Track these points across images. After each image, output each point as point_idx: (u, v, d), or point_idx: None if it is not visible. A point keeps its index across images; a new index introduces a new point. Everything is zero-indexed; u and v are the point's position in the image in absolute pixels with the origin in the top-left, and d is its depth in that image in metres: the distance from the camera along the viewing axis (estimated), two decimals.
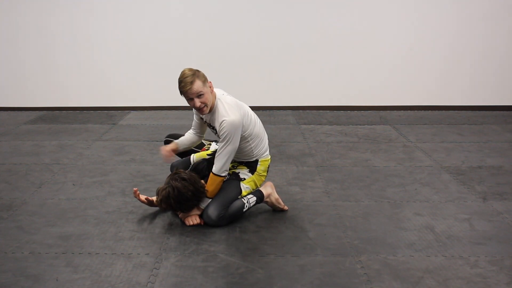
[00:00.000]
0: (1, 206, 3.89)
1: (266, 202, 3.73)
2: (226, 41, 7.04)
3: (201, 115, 3.67)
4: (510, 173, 4.59)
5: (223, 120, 3.38)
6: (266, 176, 3.79)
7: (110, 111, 7.15)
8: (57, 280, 2.88)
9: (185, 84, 3.36)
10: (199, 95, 3.39)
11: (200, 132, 3.87)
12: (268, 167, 3.80)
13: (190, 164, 3.87)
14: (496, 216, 3.69)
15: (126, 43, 7.09)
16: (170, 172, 3.94)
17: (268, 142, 3.88)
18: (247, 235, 3.41)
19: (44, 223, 3.60)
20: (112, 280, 2.88)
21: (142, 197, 3.70)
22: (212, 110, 3.50)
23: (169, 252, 3.19)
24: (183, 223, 3.56)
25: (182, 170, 3.59)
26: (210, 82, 3.48)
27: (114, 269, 2.99)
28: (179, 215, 3.60)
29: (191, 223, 3.52)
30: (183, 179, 3.42)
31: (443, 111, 7.05)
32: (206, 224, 3.51)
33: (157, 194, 3.48)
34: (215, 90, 3.55)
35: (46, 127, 6.31)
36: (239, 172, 3.66)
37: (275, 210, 3.77)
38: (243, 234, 3.42)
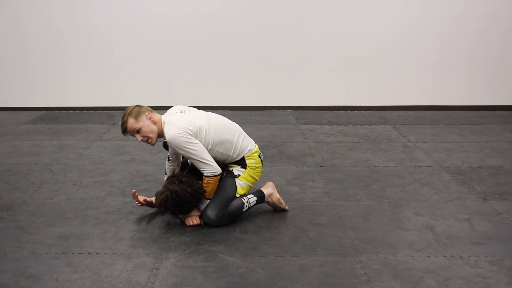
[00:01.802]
0: (1, 206, 3.89)
1: (268, 202, 3.72)
2: (226, 41, 7.04)
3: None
4: (510, 173, 4.59)
5: (168, 139, 3.43)
6: (261, 167, 3.74)
7: (110, 111, 7.15)
8: (57, 280, 2.88)
9: (120, 126, 3.54)
10: (137, 131, 3.49)
11: (177, 157, 3.81)
12: (260, 157, 3.74)
13: (187, 165, 3.87)
14: (496, 216, 3.69)
15: (126, 43, 7.09)
16: None
17: (260, 139, 3.82)
18: (247, 235, 3.41)
19: (44, 223, 3.60)
20: (112, 280, 2.88)
21: (141, 198, 3.70)
22: (163, 134, 3.52)
23: (169, 252, 3.19)
24: (183, 223, 3.56)
25: (179, 173, 3.59)
26: (148, 113, 3.50)
27: (114, 269, 2.99)
28: (180, 216, 3.60)
29: (192, 223, 3.52)
30: (181, 181, 3.41)
31: (443, 111, 7.05)
32: (207, 224, 3.51)
33: (156, 198, 3.48)
34: (168, 111, 3.58)
35: (46, 127, 6.31)
36: (232, 170, 3.66)
37: (276, 210, 3.77)
38: (243, 234, 3.42)
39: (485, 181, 4.39)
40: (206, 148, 3.49)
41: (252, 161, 3.68)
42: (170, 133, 3.40)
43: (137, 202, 3.74)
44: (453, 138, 5.72)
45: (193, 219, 3.53)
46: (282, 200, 3.75)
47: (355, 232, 3.45)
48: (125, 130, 3.52)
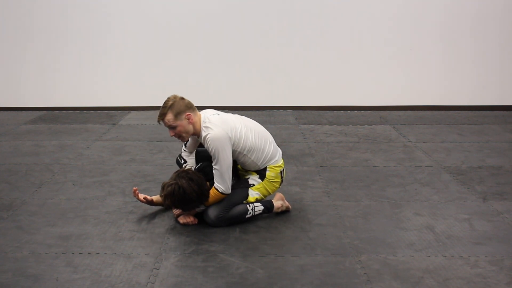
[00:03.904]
0: (1, 206, 3.89)
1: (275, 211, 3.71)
2: (226, 41, 7.04)
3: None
4: (510, 173, 4.59)
5: (207, 137, 3.40)
6: (280, 182, 3.71)
7: (110, 111, 7.15)
8: (57, 280, 2.88)
9: (158, 115, 3.49)
10: (172, 128, 3.47)
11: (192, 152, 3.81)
12: (282, 174, 3.70)
13: (198, 162, 3.81)
14: (496, 216, 3.69)
15: (126, 43, 7.09)
16: (171, 169, 3.92)
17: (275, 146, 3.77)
18: (247, 235, 3.41)
19: (44, 223, 3.60)
20: (112, 280, 2.88)
21: (141, 196, 3.69)
22: (200, 133, 3.50)
23: (169, 252, 3.19)
24: (183, 223, 3.56)
25: (190, 169, 3.57)
26: (188, 114, 3.44)
27: (114, 269, 2.99)
28: (174, 212, 3.60)
29: (184, 221, 3.54)
30: (191, 179, 3.40)
31: (443, 111, 7.05)
32: (206, 223, 3.51)
33: (162, 189, 3.46)
34: (204, 111, 3.58)
35: (46, 127, 6.31)
36: (248, 178, 3.65)
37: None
38: (243, 234, 3.42)
39: (485, 181, 4.39)
40: (242, 152, 3.51)
41: (272, 174, 3.65)
42: (214, 132, 3.38)
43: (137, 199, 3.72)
44: (453, 138, 5.72)
45: (186, 217, 3.55)
46: (290, 207, 3.75)
47: (355, 232, 3.44)
48: (160, 122, 3.49)
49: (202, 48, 7.06)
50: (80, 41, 7.09)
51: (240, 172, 3.75)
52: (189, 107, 3.48)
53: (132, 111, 7.13)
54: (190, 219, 3.54)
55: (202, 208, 3.56)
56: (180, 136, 3.51)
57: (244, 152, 3.53)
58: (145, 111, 7.12)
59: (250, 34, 7.02)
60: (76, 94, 7.22)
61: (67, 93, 7.22)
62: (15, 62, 7.16)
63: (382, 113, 6.97)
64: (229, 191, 3.47)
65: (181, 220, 3.55)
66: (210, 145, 3.39)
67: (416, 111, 7.07)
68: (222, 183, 3.44)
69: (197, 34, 7.03)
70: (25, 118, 6.79)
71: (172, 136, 3.51)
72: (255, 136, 3.58)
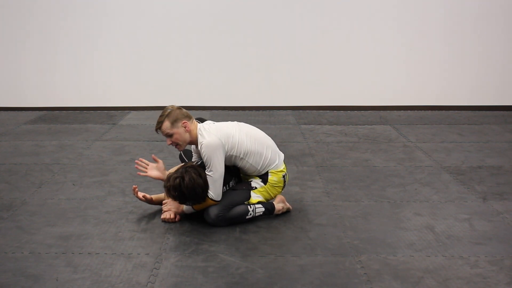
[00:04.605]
0: (1, 206, 3.89)
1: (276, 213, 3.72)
2: (226, 41, 7.04)
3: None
4: (510, 173, 4.59)
5: (201, 144, 3.46)
6: (283, 187, 3.73)
7: (110, 111, 7.15)
8: (57, 280, 2.88)
9: (156, 124, 3.58)
10: (169, 135, 3.53)
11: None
12: (284, 178, 3.72)
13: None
14: (496, 216, 3.69)
15: (126, 43, 7.09)
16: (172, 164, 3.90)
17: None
18: (247, 235, 3.41)
19: (44, 223, 3.60)
20: (112, 280, 2.88)
21: (140, 194, 3.71)
22: (196, 141, 3.56)
23: (169, 252, 3.19)
24: (183, 223, 3.55)
25: (198, 165, 3.58)
26: (184, 122, 3.50)
27: (114, 269, 2.99)
28: (163, 207, 3.61)
29: (165, 217, 3.57)
30: (200, 175, 3.43)
31: (443, 111, 7.05)
32: (206, 223, 3.51)
33: (168, 180, 3.46)
34: (202, 123, 3.61)
35: (46, 127, 6.31)
36: (251, 181, 3.66)
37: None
38: (243, 234, 3.43)
39: (485, 181, 4.39)
40: (239, 156, 3.54)
41: (274, 178, 3.66)
42: (207, 139, 3.44)
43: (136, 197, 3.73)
44: (453, 138, 5.72)
45: (167, 214, 3.58)
46: (290, 208, 3.76)
47: (355, 232, 3.45)
48: (158, 130, 3.57)
49: (202, 48, 7.06)
50: (80, 41, 7.09)
51: (243, 176, 3.75)
52: (186, 115, 3.55)
53: (132, 111, 7.13)
54: (170, 216, 3.57)
55: (191, 210, 3.56)
56: (177, 145, 3.56)
57: (241, 156, 3.56)
58: (145, 111, 7.12)
59: (250, 34, 7.02)
60: (76, 94, 7.22)
61: (67, 93, 7.22)
62: (15, 62, 7.16)
63: (382, 113, 6.97)
64: (219, 198, 3.49)
65: (166, 215, 3.57)
66: (203, 152, 3.44)
67: (416, 111, 7.07)
68: (213, 189, 3.46)
69: (197, 34, 7.03)
70: (25, 118, 6.79)
71: (169, 144, 3.57)
72: (251, 140, 3.61)
